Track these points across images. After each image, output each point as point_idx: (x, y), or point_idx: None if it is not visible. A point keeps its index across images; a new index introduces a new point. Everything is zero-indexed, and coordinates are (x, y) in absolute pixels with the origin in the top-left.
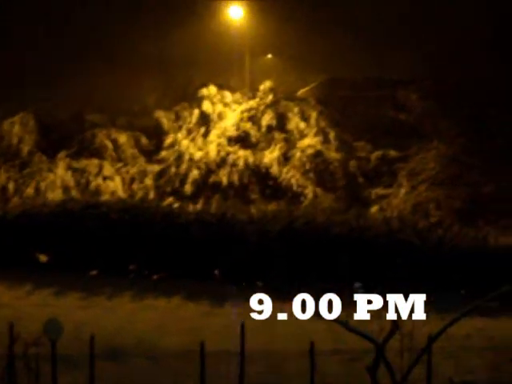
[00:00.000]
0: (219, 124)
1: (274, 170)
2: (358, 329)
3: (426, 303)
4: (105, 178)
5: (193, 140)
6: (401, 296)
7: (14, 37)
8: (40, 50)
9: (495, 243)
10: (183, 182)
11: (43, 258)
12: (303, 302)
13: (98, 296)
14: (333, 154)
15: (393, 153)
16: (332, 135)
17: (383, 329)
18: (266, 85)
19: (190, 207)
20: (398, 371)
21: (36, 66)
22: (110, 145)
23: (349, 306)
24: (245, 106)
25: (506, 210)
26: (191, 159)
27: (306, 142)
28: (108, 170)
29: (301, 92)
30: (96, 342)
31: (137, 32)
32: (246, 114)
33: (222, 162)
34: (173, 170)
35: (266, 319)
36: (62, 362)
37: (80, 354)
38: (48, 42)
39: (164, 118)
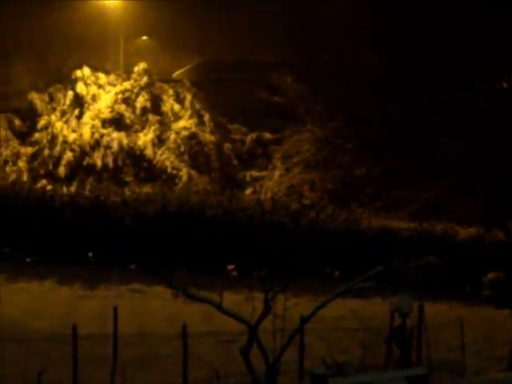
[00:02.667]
0: (93, 106)
1: (149, 152)
2: (232, 310)
3: (300, 285)
4: None
5: (66, 122)
6: (274, 278)
7: None
8: None
9: (368, 225)
10: (57, 164)
11: None
12: (177, 285)
13: None
14: (207, 137)
15: (267, 135)
16: (207, 117)
17: (256, 310)
18: (140, 67)
19: (64, 190)
20: (272, 352)
21: None
22: None
23: (220, 287)
24: (119, 87)
25: (377, 192)
26: (65, 141)
27: (181, 124)
28: None
29: (176, 74)
30: None
31: (9, 12)
32: (120, 96)
33: (96, 145)
34: (46, 152)
35: (141, 302)
36: None
37: None
38: None
39: (37, 99)
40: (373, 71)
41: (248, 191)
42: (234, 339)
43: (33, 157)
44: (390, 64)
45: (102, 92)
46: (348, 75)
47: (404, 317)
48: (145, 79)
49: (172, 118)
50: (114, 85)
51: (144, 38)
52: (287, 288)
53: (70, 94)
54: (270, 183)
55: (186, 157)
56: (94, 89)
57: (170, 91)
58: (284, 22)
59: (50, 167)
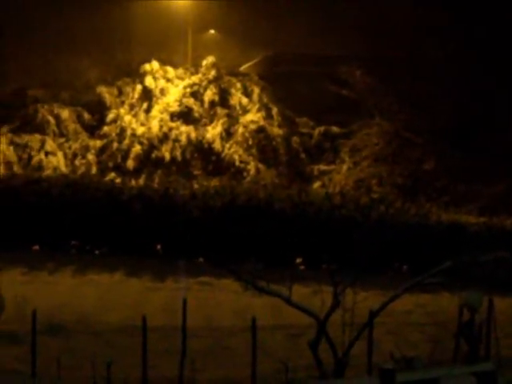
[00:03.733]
0: (162, 99)
1: (217, 145)
2: (300, 304)
3: (369, 279)
4: (47, 154)
5: (135, 115)
6: (343, 271)
7: None
8: None
9: (437, 219)
10: (125, 157)
11: None
12: (246, 278)
13: (40, 271)
14: (275, 130)
15: (335, 129)
16: (275, 111)
17: (325, 304)
18: (208, 60)
19: (133, 182)
20: (340, 346)
21: None
22: (52, 120)
23: (290, 280)
24: (187, 81)
25: (446, 186)
26: (134, 134)
27: (249, 117)
28: (50, 145)
29: (243, 67)
30: (38, 317)
31: (80, 6)
32: (188, 90)
33: (164, 138)
34: (115, 145)
35: (209, 295)
36: (4, 337)
37: (22, 329)
38: None
39: (106, 93)
40: (443, 63)
41: (316, 185)
42: (302, 332)
43: (101, 150)
44: (460, 56)
45: (170, 86)
46: (419, 67)
47: (473, 312)
48: (213, 73)
49: (240, 112)
50: (182, 78)
51: (211, 31)
52: (356, 282)
53: (139, 87)
54: (338, 177)
55: (253, 150)
56: (162, 82)
57: (238, 85)
58: (353, 14)
59: (119, 160)
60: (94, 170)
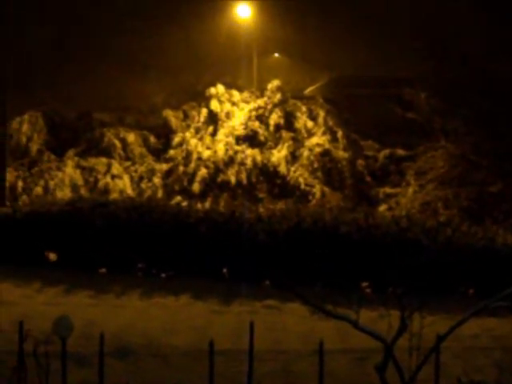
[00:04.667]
0: (227, 123)
1: (282, 168)
2: (368, 327)
3: (435, 303)
4: (113, 177)
5: (201, 139)
6: (410, 295)
7: (24, 36)
8: (50, 49)
9: (503, 242)
10: (191, 180)
11: (52, 256)
12: (311, 302)
13: (106, 294)
14: (340, 153)
15: (400, 151)
16: (340, 134)
17: (392, 328)
18: (273, 84)
19: (199, 206)
20: (407, 370)
21: (45, 64)
22: (118, 143)
23: (357, 304)
24: (253, 104)
25: None
26: (199, 158)
27: (314, 140)
28: (116, 168)
29: (308, 90)
30: (105, 340)
31: (145, 31)
32: (253, 113)
33: (230, 161)
34: (181, 168)
35: (275, 319)
36: (72, 359)
37: (89, 351)
38: (57, 42)
39: (172, 116)
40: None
41: (381, 208)
42: (368, 356)
43: (167, 173)
44: None
45: (235, 109)
46: (487, 88)
47: None
48: (278, 96)
49: (305, 135)
50: (247, 102)
51: (276, 54)
52: (424, 306)
53: (204, 111)
54: (403, 200)
55: (319, 173)
56: (227, 106)
57: (303, 108)
58: (418, 35)
59: (185, 184)
60: (160, 193)
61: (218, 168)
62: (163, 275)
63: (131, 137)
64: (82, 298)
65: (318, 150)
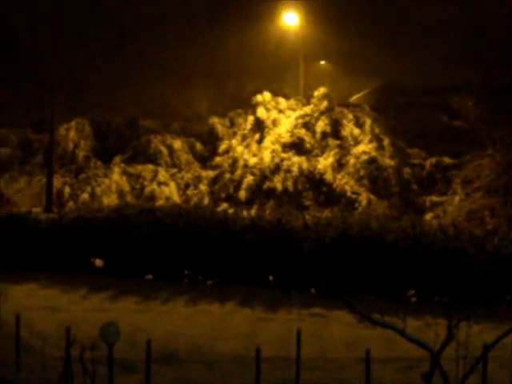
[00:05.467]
0: (273, 130)
1: (328, 176)
2: (414, 336)
3: (482, 312)
4: (159, 184)
5: (247, 146)
6: (456, 304)
7: (71, 45)
8: (97, 57)
9: None
10: (237, 187)
11: (98, 262)
12: (357, 310)
13: (152, 300)
14: (387, 161)
15: (447, 160)
16: (386, 142)
17: (438, 337)
18: (320, 91)
19: (245, 213)
20: (453, 380)
21: (92, 72)
22: (164, 150)
23: (403, 313)
24: (299, 112)
25: None
26: (246, 165)
27: (361, 148)
28: (163, 175)
29: (354, 98)
30: (151, 346)
31: (190, 38)
32: (300, 121)
33: (276, 168)
34: (227, 175)
35: (321, 327)
36: (118, 365)
37: (135, 357)
38: (104, 50)
39: (218, 124)
40: None
41: (428, 216)
42: (414, 365)
43: (214, 180)
44: None
45: (282, 116)
46: None
47: None
48: (324, 104)
49: (352, 143)
50: (293, 109)
51: (322, 62)
52: (471, 315)
53: (251, 118)
54: (450, 208)
55: (365, 181)
56: (274, 113)
57: (350, 115)
58: (465, 44)
59: (231, 191)
60: (206, 200)
61: (264, 175)
62: (209, 282)
63: (177, 143)
64: (128, 304)
65: (364, 157)
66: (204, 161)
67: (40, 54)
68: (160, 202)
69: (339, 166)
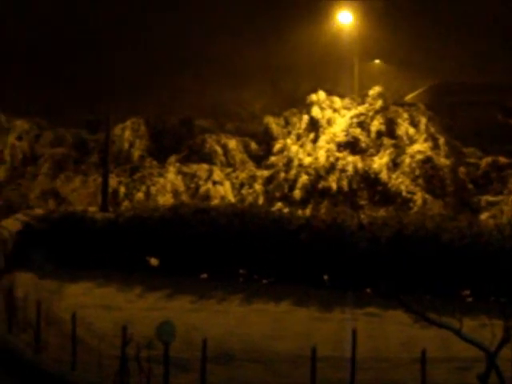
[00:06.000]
0: (328, 130)
1: (384, 175)
2: (470, 336)
3: None
4: (214, 183)
5: (302, 145)
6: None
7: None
8: (152, 57)
9: None
10: (292, 187)
11: (154, 261)
12: (413, 309)
13: (207, 299)
14: (442, 160)
15: (502, 159)
16: (441, 141)
17: (494, 337)
18: (375, 90)
19: (299, 212)
20: (510, 380)
21: (147, 72)
22: (219, 150)
23: (461, 313)
24: (354, 111)
25: None
26: (300, 165)
27: (416, 147)
28: (218, 174)
29: (409, 97)
30: (207, 345)
31: (245, 38)
32: (355, 120)
33: (331, 168)
34: (282, 175)
35: (376, 326)
36: (173, 364)
37: (190, 356)
38: (160, 50)
39: (273, 123)
40: None
41: (483, 216)
42: (470, 366)
43: (268, 180)
44: None
45: (337, 116)
46: None
47: None
48: (379, 103)
49: (407, 142)
50: (348, 108)
51: (377, 61)
52: None
53: (306, 117)
54: (506, 207)
55: (420, 180)
56: (329, 113)
57: (405, 115)
58: None
59: (286, 190)
60: (261, 199)
61: (319, 175)
62: (264, 281)
63: (232, 143)
64: (183, 303)
65: (419, 156)
66: (259, 160)
67: (97, 54)
68: (215, 202)
69: (394, 165)
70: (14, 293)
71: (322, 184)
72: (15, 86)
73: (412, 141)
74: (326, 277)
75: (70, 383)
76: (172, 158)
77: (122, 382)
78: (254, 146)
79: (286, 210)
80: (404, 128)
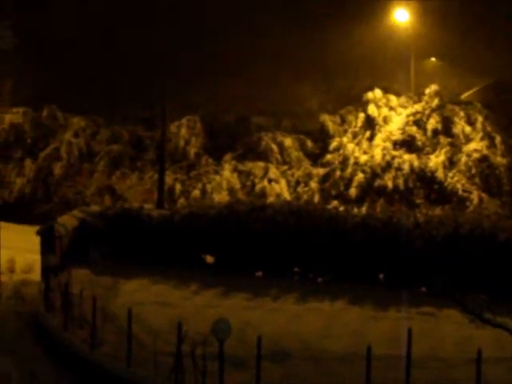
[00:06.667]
0: (384, 128)
1: (440, 174)
2: None
3: None
4: (270, 181)
5: (358, 144)
6: None
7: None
8: (208, 56)
9: None
10: (348, 185)
11: (209, 258)
12: (469, 309)
13: (262, 297)
14: (499, 159)
15: None
16: (498, 140)
17: None
18: (431, 88)
19: (355, 211)
20: None
21: (202, 70)
22: (275, 148)
23: None
24: (410, 109)
25: None
26: (356, 163)
27: (472, 146)
28: (273, 172)
29: (465, 95)
30: (261, 343)
31: (301, 36)
32: (411, 118)
33: (387, 166)
34: (338, 173)
35: (431, 326)
36: (228, 361)
37: (245, 354)
38: (216, 49)
39: (329, 121)
40: None
41: None
42: None
43: (324, 178)
44: None
45: (393, 114)
46: None
47: None
48: (436, 101)
49: (463, 141)
50: (404, 107)
51: (433, 59)
52: None
53: (362, 115)
54: None
55: (476, 179)
56: (385, 111)
57: (461, 113)
58: None
59: (341, 188)
60: (316, 197)
61: (374, 173)
62: (319, 280)
63: (288, 141)
64: (238, 300)
65: (475, 155)
66: (314, 158)
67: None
68: (270, 199)
69: (450, 163)
70: (69, 289)
71: (377, 182)
72: (72, 84)
73: (468, 139)
74: (381, 275)
75: (125, 380)
76: (228, 156)
77: (176, 378)
78: (309, 143)
79: (341, 209)
80: (460, 126)
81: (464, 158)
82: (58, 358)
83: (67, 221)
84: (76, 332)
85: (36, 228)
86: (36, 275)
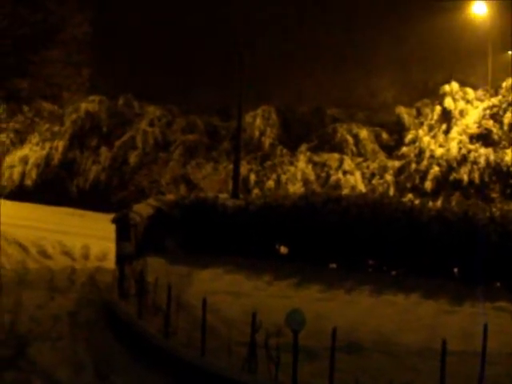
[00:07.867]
0: (461, 121)
1: None
2: None
3: None
4: (345, 173)
5: (434, 137)
6: None
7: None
8: (282, 47)
9: None
10: (423, 178)
11: (283, 249)
12: None
13: (336, 289)
14: None
15: None
16: None
17: None
18: (508, 82)
19: (430, 204)
20: None
21: (277, 61)
22: (350, 139)
23: None
24: (487, 103)
25: None
26: (432, 156)
27: None
28: (348, 164)
29: None
30: (336, 335)
31: (377, 28)
32: (488, 112)
33: (462, 160)
34: (413, 166)
35: (506, 321)
36: (302, 352)
37: (318, 345)
38: (290, 40)
39: (405, 113)
40: None
41: None
42: None
43: (399, 170)
44: None
45: (469, 107)
46: None
47: None
48: None
49: None
50: (481, 100)
51: (510, 52)
52: None
53: (438, 108)
54: None
55: None
56: (461, 104)
57: None
58: None
59: (417, 181)
60: (391, 190)
61: (450, 166)
62: (393, 273)
63: (363, 133)
64: (312, 292)
65: None
66: (390, 150)
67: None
68: (345, 191)
69: None
70: (144, 277)
71: (453, 176)
72: (147, 73)
73: None
74: (455, 269)
75: (199, 368)
76: (303, 147)
77: (250, 368)
78: (385, 135)
79: (416, 202)
80: None
81: None
82: (132, 345)
83: (142, 209)
84: (150, 320)
85: (111, 216)
86: (110, 263)
